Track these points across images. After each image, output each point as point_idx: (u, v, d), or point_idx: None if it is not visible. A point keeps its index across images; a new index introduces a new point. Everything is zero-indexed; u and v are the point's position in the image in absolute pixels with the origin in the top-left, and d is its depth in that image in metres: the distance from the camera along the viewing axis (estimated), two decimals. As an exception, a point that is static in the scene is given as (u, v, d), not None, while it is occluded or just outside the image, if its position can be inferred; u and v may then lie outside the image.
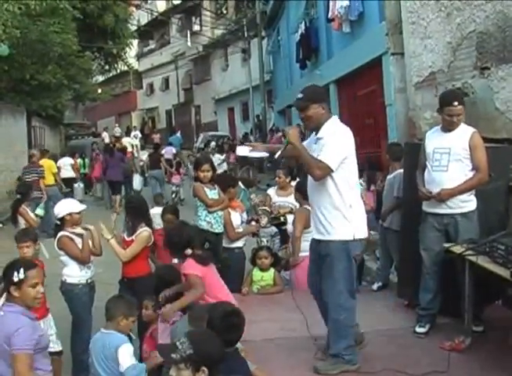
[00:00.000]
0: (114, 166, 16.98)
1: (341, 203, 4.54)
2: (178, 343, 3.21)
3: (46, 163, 14.97)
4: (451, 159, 5.29)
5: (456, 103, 5.29)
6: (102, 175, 17.61)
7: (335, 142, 4.52)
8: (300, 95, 4.74)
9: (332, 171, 4.47)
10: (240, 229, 7.21)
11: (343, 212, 4.55)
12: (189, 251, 4.92)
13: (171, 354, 3.20)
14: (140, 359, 5.25)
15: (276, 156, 4.94)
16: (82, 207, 6.00)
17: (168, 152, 20.86)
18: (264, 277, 7.02)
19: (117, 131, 36.91)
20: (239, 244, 7.15)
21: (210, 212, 6.80)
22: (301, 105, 4.73)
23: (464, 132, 5.33)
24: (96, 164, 19.51)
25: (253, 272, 7.07)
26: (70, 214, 5.75)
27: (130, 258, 5.76)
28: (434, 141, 5.46)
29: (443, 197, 5.25)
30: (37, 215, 10.70)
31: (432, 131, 5.70)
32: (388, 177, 7.25)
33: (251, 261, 7.18)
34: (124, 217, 6.27)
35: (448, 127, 5.37)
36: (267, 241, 7.72)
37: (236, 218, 7.19)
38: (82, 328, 5.63)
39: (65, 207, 5.87)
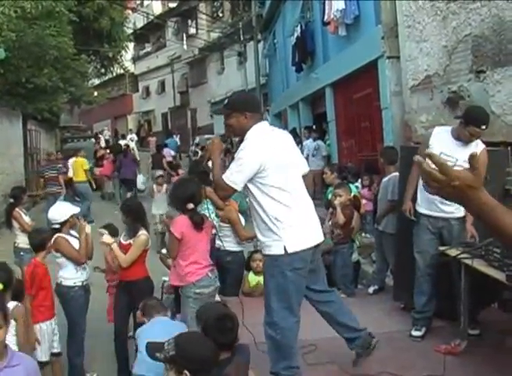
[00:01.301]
0: (128, 165, 18.14)
1: (265, 217, 4.27)
2: (166, 343, 3.23)
3: (78, 161, 16.31)
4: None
5: (483, 127, 5.15)
6: (117, 174, 18.43)
7: (241, 159, 4.24)
8: (225, 102, 4.64)
9: (236, 190, 4.31)
10: None
11: (269, 226, 4.27)
12: (190, 205, 5.01)
13: (156, 353, 3.22)
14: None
15: (203, 164, 4.95)
16: (78, 209, 6.09)
17: (167, 154, 21.01)
18: (260, 281, 7.00)
19: (106, 134, 36.84)
20: (241, 247, 7.13)
21: (217, 215, 6.81)
22: (224, 112, 4.61)
23: (475, 147, 5.24)
24: (106, 163, 20.18)
25: (248, 278, 7.05)
26: (71, 216, 5.86)
27: (130, 264, 5.74)
28: (443, 145, 5.30)
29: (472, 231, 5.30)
30: None
31: (441, 131, 5.52)
32: (383, 180, 7.26)
33: (246, 265, 7.18)
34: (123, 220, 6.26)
35: (463, 140, 5.26)
36: (263, 246, 7.71)
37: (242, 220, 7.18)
38: (77, 331, 5.63)
39: (66, 210, 5.95)
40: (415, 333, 5.50)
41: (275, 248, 4.27)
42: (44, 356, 5.30)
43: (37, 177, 21.13)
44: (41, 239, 5.67)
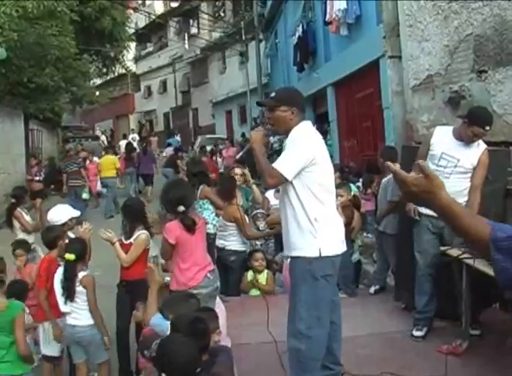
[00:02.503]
0: (147, 162, 19.48)
1: (304, 215, 4.09)
2: (154, 343, 3.22)
3: (109, 159, 17.91)
4: (455, 170, 5.22)
5: (487, 128, 5.10)
6: (132, 170, 19.46)
7: (294, 149, 4.09)
8: (272, 94, 4.43)
9: (286, 180, 4.05)
10: None
11: (307, 226, 4.08)
12: (181, 208, 4.91)
13: (144, 350, 3.23)
14: (136, 364, 5.25)
15: (237, 156, 4.81)
16: (78, 212, 6.16)
17: (168, 153, 21.55)
18: (259, 279, 7.02)
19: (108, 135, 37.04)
20: (245, 247, 7.12)
21: (217, 215, 6.78)
22: (270, 104, 4.35)
23: (477, 148, 5.24)
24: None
25: (247, 276, 7.06)
26: (71, 219, 5.92)
27: (130, 263, 5.73)
28: (444, 145, 5.29)
29: None
30: (84, 200, 16.11)
31: (444, 130, 5.46)
32: (383, 180, 7.23)
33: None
34: (122, 220, 6.26)
35: (465, 140, 5.22)
36: (261, 245, 7.72)
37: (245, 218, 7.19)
38: None
39: (65, 212, 5.95)
40: (416, 333, 5.48)
41: (309, 250, 4.08)
42: (57, 352, 5.44)
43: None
44: (53, 236, 5.66)
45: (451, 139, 5.32)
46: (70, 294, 5.06)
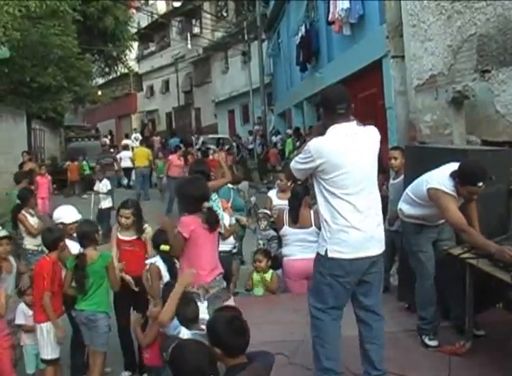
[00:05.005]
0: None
1: (321, 216, 4.26)
2: (171, 346, 3.20)
3: (143, 150, 20.25)
4: None
5: (480, 184, 4.82)
6: None
7: (302, 153, 4.29)
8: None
9: (296, 176, 4.49)
10: None
11: (322, 225, 4.27)
12: (206, 204, 4.82)
13: (163, 352, 3.22)
14: (140, 360, 5.26)
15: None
16: (79, 216, 6.33)
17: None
18: (263, 279, 7.03)
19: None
20: (224, 247, 6.96)
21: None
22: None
23: None
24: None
25: (253, 276, 7.07)
26: (74, 222, 6.05)
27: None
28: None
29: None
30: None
31: (451, 190, 5.02)
32: (395, 181, 7.02)
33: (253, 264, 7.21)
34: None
35: (465, 198, 5.05)
36: (264, 244, 7.70)
37: (226, 218, 7.04)
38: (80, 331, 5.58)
39: (69, 214, 6.17)
40: (431, 343, 5.31)
41: (320, 248, 4.27)
42: (58, 353, 5.36)
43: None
44: (54, 238, 5.57)
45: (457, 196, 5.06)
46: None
